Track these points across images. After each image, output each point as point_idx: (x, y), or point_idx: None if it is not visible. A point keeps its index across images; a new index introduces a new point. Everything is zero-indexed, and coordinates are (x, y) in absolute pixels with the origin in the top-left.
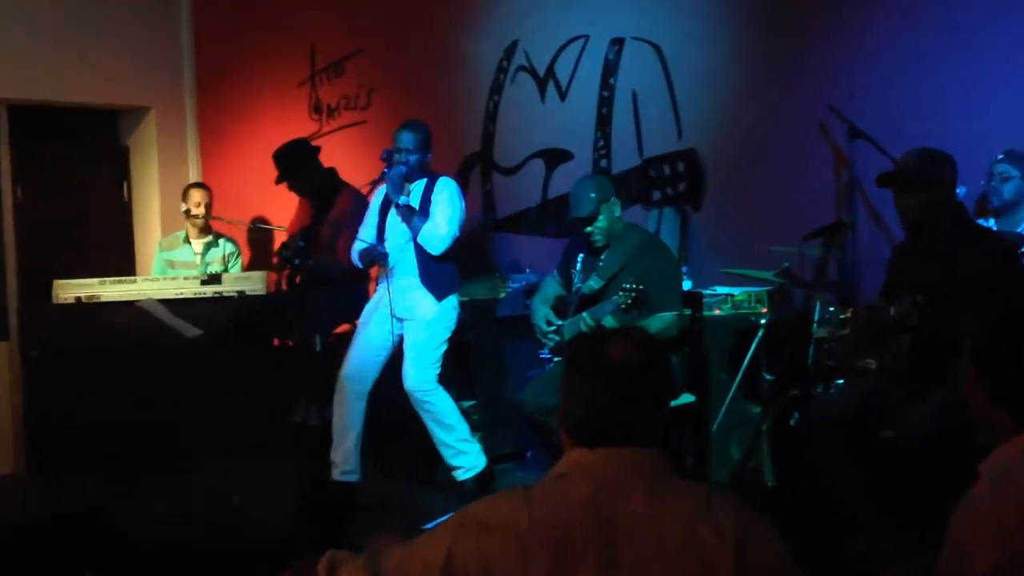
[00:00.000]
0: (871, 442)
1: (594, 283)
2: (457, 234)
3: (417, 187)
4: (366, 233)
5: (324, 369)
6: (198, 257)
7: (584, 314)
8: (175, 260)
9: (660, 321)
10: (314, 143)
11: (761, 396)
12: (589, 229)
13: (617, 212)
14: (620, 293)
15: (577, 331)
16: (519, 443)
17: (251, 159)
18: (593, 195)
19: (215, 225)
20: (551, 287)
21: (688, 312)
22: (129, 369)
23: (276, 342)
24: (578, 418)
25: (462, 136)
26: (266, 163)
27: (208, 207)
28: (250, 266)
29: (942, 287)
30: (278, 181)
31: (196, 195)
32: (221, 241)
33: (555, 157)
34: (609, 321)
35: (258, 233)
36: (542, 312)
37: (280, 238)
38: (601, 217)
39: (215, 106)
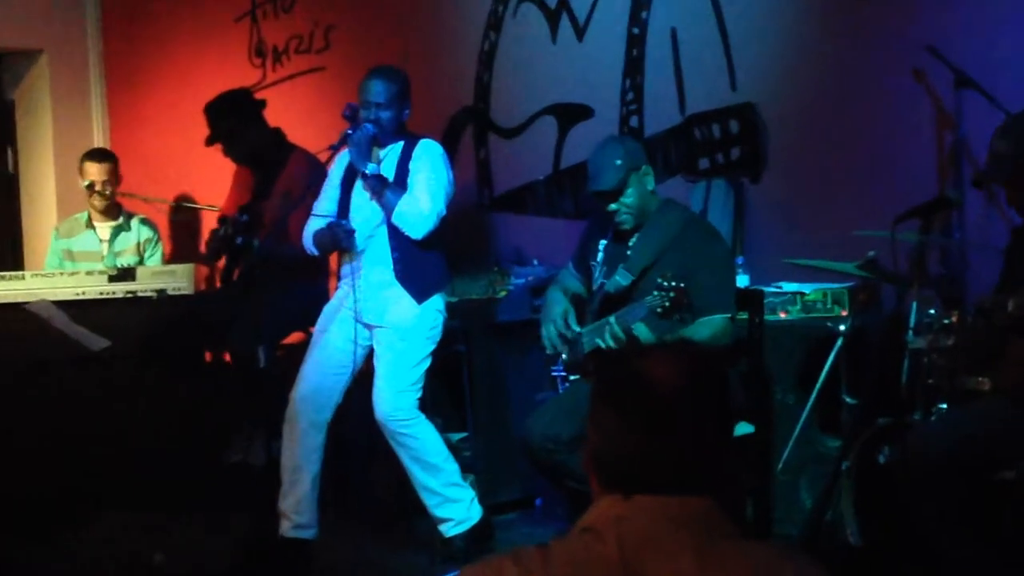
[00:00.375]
0: (984, 486)
1: (621, 278)
2: (443, 213)
3: (391, 153)
4: (324, 210)
5: (271, 392)
6: (104, 245)
7: (610, 319)
8: (75, 250)
9: (708, 327)
10: (257, 95)
11: (840, 426)
12: (614, 207)
13: (650, 185)
14: (655, 292)
15: (600, 341)
16: (525, 488)
17: (174, 117)
18: (619, 162)
19: (126, 204)
20: (568, 281)
21: (744, 316)
22: (15, 391)
23: (208, 356)
24: (609, 458)
25: (449, 87)
26: (194, 122)
27: (115, 180)
28: (173, 257)
29: None
30: (209, 142)
31: (94, 168)
32: (134, 224)
33: (570, 114)
34: (641, 329)
35: (183, 214)
36: (558, 312)
37: (211, 220)
38: (629, 191)
39: (126, 48)
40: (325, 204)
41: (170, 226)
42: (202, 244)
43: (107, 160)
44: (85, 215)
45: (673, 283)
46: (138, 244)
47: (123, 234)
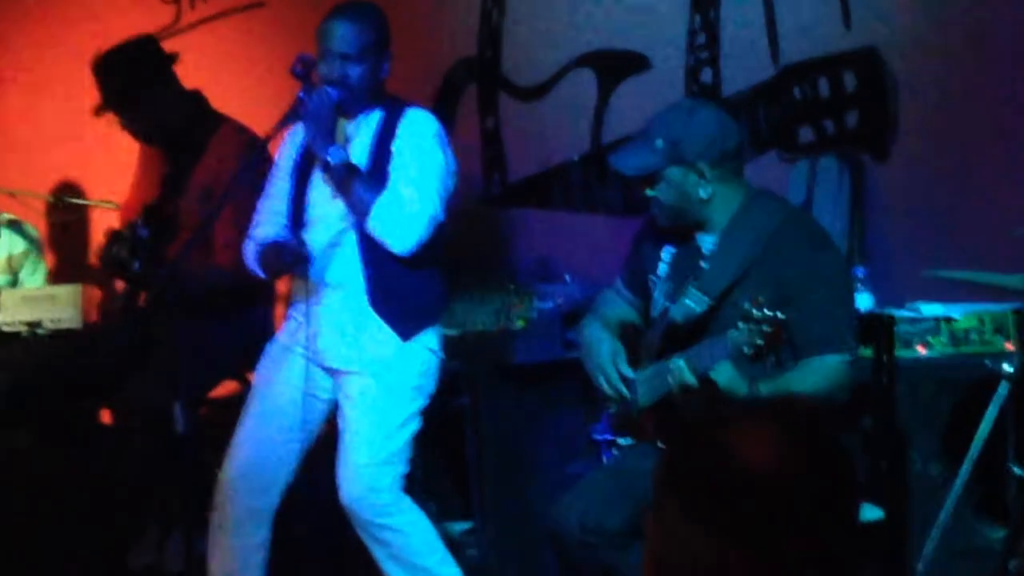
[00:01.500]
0: None
1: (694, 302)
2: (440, 218)
3: (364, 127)
4: (269, 215)
5: (192, 467)
6: None
7: (678, 361)
8: None
9: (818, 374)
10: (166, 44)
11: (1006, 507)
12: (650, 192)
13: (703, 192)
14: (741, 324)
15: (664, 391)
16: None
17: (50, 78)
18: (660, 143)
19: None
20: (614, 307)
21: (867, 353)
22: None
23: (105, 416)
24: (677, 567)
25: (443, 31)
26: (79, 84)
27: None
28: (56, 275)
29: None
30: (99, 112)
31: None
32: (2, 231)
33: (615, 66)
34: (724, 374)
35: (66, 214)
36: (606, 354)
37: (106, 221)
38: (662, 186)
39: None
40: (271, 203)
41: (49, 231)
42: (92, 257)
43: None
44: None
45: (767, 312)
46: (8, 259)
47: None
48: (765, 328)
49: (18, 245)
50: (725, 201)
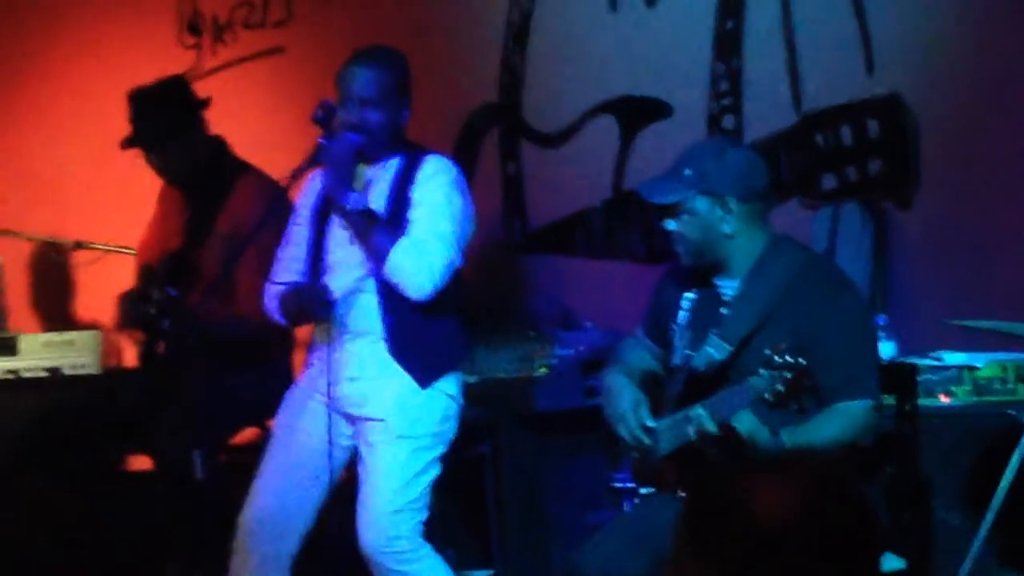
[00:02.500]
0: None
1: (715, 350)
2: (458, 263)
3: (384, 174)
4: (290, 262)
5: (211, 513)
6: None
7: (699, 409)
8: None
9: (841, 421)
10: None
11: None
12: (671, 225)
13: (728, 227)
14: (763, 370)
15: (685, 440)
16: None
17: (67, 118)
18: (689, 172)
19: (8, 242)
20: (636, 355)
21: (889, 401)
22: None
23: (123, 463)
24: None
25: (464, 77)
26: (97, 126)
27: None
28: (75, 321)
29: None
30: (129, 144)
31: None
32: None
33: (638, 112)
34: (745, 422)
35: (83, 257)
36: (628, 403)
37: (125, 266)
38: (686, 218)
39: (1, 22)
40: (291, 250)
41: (62, 274)
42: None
43: None
44: None
45: (788, 359)
46: None
47: None
48: (786, 375)
49: None
50: (749, 243)
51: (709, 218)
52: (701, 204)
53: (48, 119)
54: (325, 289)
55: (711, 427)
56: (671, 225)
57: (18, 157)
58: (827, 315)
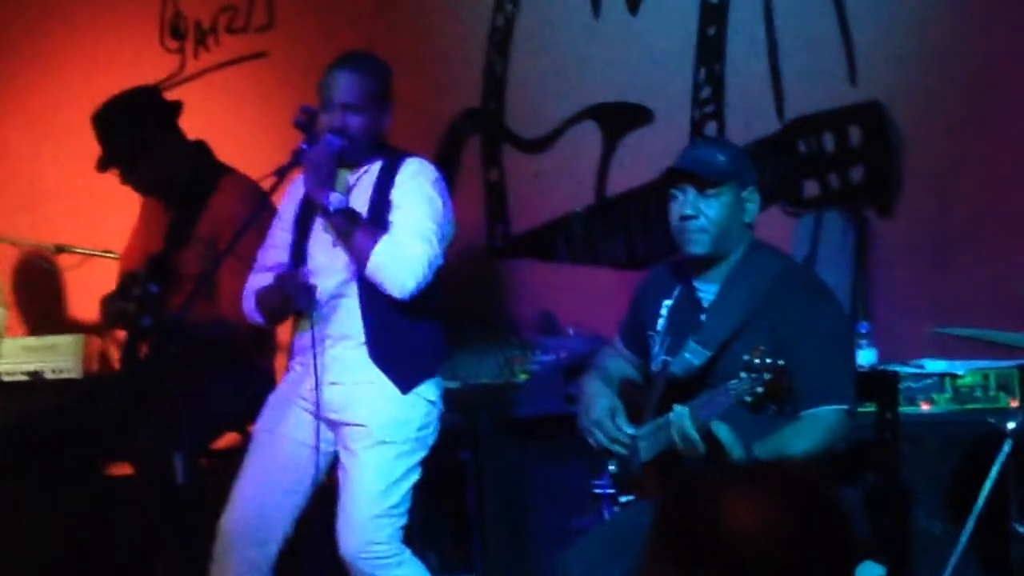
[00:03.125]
0: None
1: (693, 356)
2: (439, 262)
3: (365, 178)
4: (269, 265)
5: (192, 518)
6: None
7: (681, 410)
8: None
9: (814, 427)
10: (168, 94)
11: (1010, 566)
12: (690, 210)
13: (749, 216)
14: (743, 374)
15: (665, 445)
16: None
17: (49, 125)
18: (722, 158)
19: None
20: (614, 363)
21: (869, 408)
22: None
23: (104, 467)
24: None
25: (446, 82)
26: (78, 131)
27: None
28: (47, 324)
29: None
30: (102, 167)
31: None
32: None
33: (620, 118)
34: (724, 431)
35: (65, 262)
36: (603, 409)
37: (107, 271)
38: (717, 202)
39: None
40: (272, 253)
41: (45, 279)
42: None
43: None
44: None
45: (768, 361)
46: None
47: None
48: (766, 376)
49: None
50: (740, 241)
51: (737, 204)
52: (734, 188)
53: (30, 124)
54: (305, 275)
55: (690, 429)
56: (696, 207)
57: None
58: (804, 321)
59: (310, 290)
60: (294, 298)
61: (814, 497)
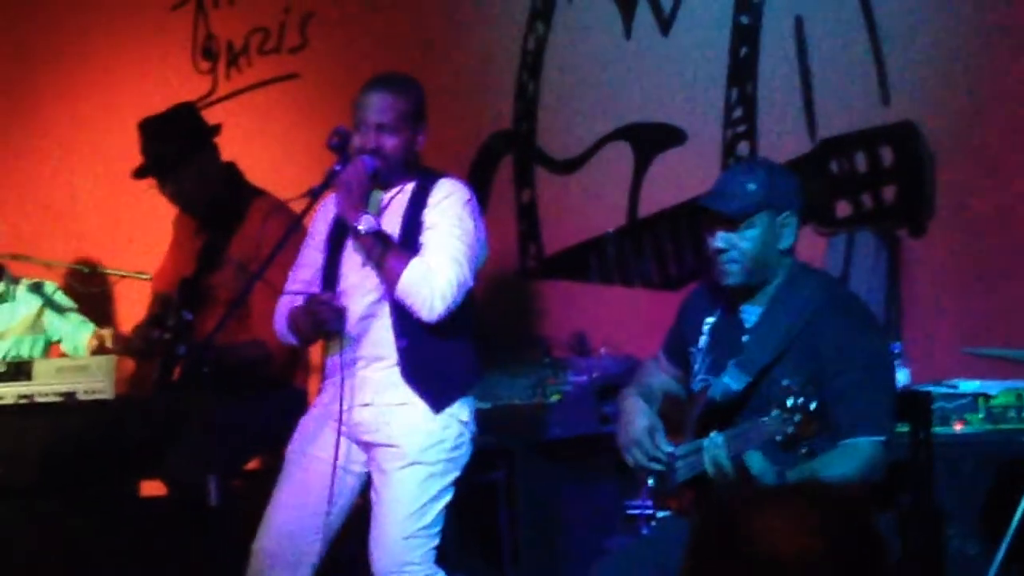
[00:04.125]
0: None
1: (732, 380)
2: (470, 284)
3: (398, 198)
4: (301, 285)
5: (225, 540)
6: None
7: (716, 438)
8: None
9: (851, 457)
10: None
11: None
12: (722, 243)
13: (786, 241)
14: (775, 412)
15: (698, 471)
16: None
17: (83, 146)
18: (753, 187)
19: (15, 266)
20: (655, 377)
21: (903, 429)
22: None
23: (138, 488)
24: None
25: (478, 103)
26: (111, 153)
27: None
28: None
29: None
30: (142, 174)
31: None
32: (20, 291)
33: (652, 139)
34: (756, 459)
35: (96, 283)
36: (641, 429)
37: (139, 291)
38: (751, 233)
39: (12, 53)
40: (304, 272)
41: (76, 301)
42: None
43: None
44: None
45: (799, 402)
46: (32, 318)
47: (4, 307)
48: (796, 418)
49: (37, 305)
50: (779, 266)
51: (772, 231)
52: (766, 218)
53: (63, 145)
54: (335, 298)
55: (724, 459)
56: (728, 240)
57: (34, 183)
58: (846, 350)
59: (340, 313)
60: (325, 321)
61: (850, 518)
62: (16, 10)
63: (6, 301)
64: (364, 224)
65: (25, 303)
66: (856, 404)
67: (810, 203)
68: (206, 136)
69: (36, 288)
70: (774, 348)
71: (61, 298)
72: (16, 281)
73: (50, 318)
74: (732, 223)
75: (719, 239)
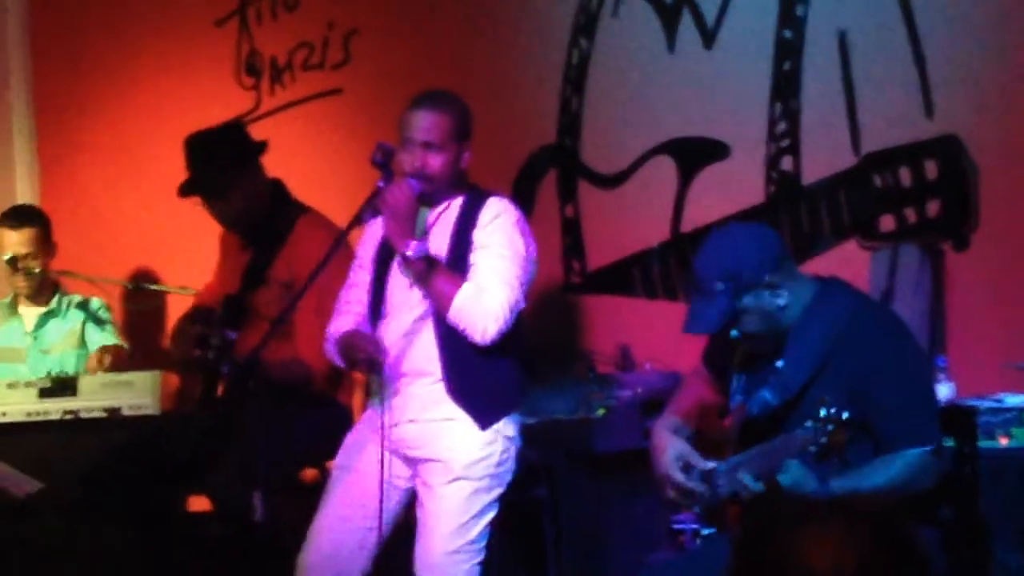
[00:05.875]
0: None
1: (771, 395)
2: (521, 304)
3: (445, 216)
4: (350, 305)
5: (270, 555)
6: (29, 339)
7: (745, 477)
8: None
9: (899, 467)
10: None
11: None
12: (735, 335)
13: (781, 299)
14: (808, 423)
15: (741, 485)
16: None
17: (129, 163)
18: (720, 286)
19: (66, 283)
20: (692, 393)
21: (948, 443)
22: None
23: (184, 504)
24: None
25: (522, 118)
26: (158, 169)
27: (46, 250)
28: (134, 362)
29: None
30: (187, 191)
31: (13, 236)
32: (70, 308)
33: (696, 153)
34: (792, 474)
35: (144, 300)
36: (671, 459)
37: (185, 307)
38: (746, 319)
39: (63, 69)
40: (353, 293)
41: (125, 316)
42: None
43: (31, 224)
44: (9, 298)
45: (831, 412)
46: (76, 332)
47: (52, 322)
48: (829, 427)
49: (79, 317)
50: (797, 296)
51: (763, 305)
52: (749, 301)
53: (108, 161)
54: (377, 335)
55: (757, 488)
56: (736, 333)
57: (79, 199)
58: (882, 362)
59: (378, 355)
60: (364, 356)
61: (889, 535)
62: (66, 31)
63: (55, 317)
64: (412, 250)
65: (71, 319)
66: (901, 416)
67: (854, 217)
68: (253, 154)
69: (83, 304)
70: (811, 366)
71: (103, 313)
72: (69, 298)
73: (89, 332)
74: (723, 330)
75: (732, 336)
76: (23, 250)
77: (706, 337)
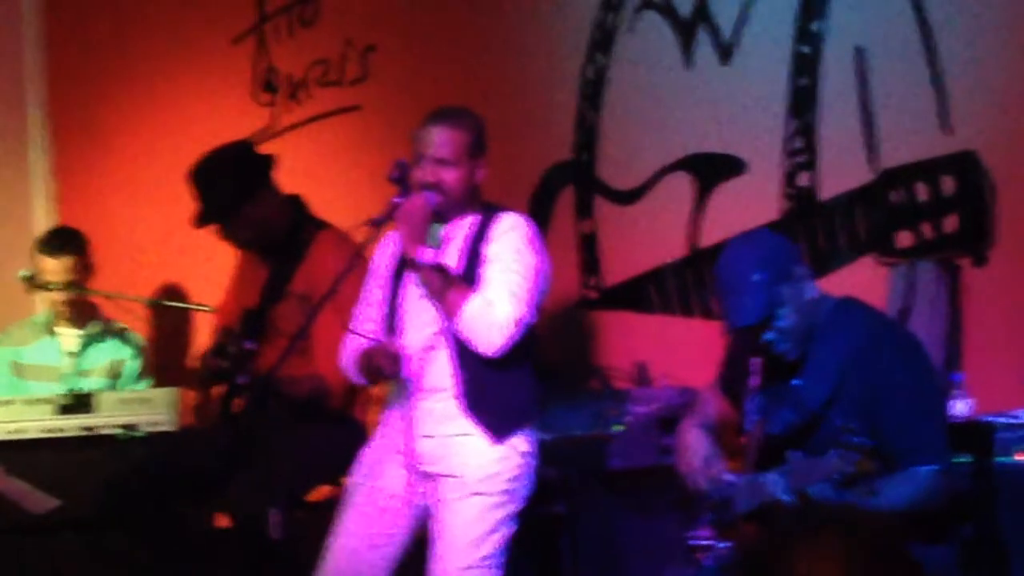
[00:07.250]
0: None
1: (792, 413)
2: (531, 318)
3: (459, 231)
4: (366, 320)
5: (286, 571)
6: (69, 361)
7: (775, 477)
8: (26, 362)
9: (907, 483)
10: (261, 148)
11: None
12: (769, 337)
13: (810, 291)
14: (833, 450)
15: (758, 503)
16: None
17: (147, 180)
18: (757, 276)
19: (104, 306)
20: (714, 406)
21: (965, 460)
22: None
23: (203, 520)
24: None
25: (538, 133)
26: (175, 187)
27: (85, 274)
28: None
29: None
30: (201, 223)
31: (51, 265)
32: (109, 335)
33: (712, 169)
34: (822, 492)
35: (163, 317)
36: (702, 454)
37: (203, 324)
38: (783, 311)
39: (80, 88)
40: (369, 309)
41: (143, 334)
42: (191, 364)
43: (69, 251)
44: (44, 317)
45: (857, 440)
46: (111, 364)
47: (95, 346)
48: (855, 457)
49: (123, 352)
50: (816, 313)
51: (799, 295)
52: (786, 292)
53: (126, 180)
54: (393, 346)
55: (785, 496)
56: (773, 332)
57: (96, 217)
58: (893, 380)
59: (396, 363)
60: (381, 368)
61: (877, 547)
62: (83, 51)
63: (96, 343)
64: (425, 258)
65: (113, 350)
66: (911, 433)
67: (871, 233)
68: (261, 174)
69: (123, 335)
70: (827, 387)
71: (141, 353)
72: (108, 324)
73: (128, 367)
74: (765, 323)
75: (765, 339)
76: (62, 277)
77: (722, 353)
